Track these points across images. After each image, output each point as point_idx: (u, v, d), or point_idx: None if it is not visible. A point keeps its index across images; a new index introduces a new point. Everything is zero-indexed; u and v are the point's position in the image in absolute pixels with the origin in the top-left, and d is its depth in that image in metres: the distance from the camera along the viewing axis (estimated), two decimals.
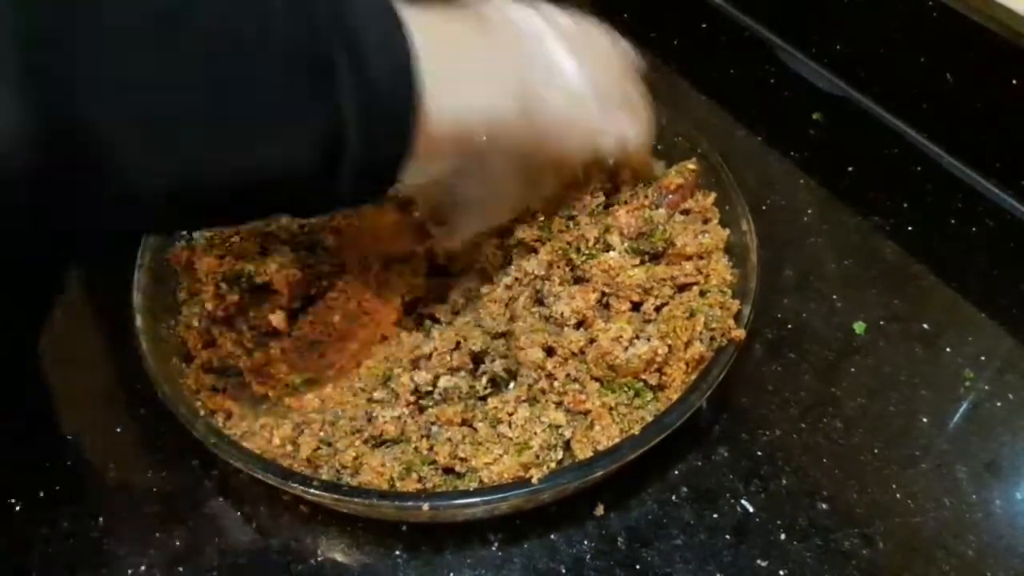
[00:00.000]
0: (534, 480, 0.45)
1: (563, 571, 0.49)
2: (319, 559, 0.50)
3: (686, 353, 0.50)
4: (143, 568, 0.49)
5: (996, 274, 0.64)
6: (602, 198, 0.57)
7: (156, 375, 0.51)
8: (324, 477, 0.49)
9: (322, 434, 0.51)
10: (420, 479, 0.49)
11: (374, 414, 0.51)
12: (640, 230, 0.55)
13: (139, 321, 0.53)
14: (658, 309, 0.53)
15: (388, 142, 0.36)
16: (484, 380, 0.52)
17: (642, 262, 0.55)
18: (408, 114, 0.36)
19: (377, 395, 0.53)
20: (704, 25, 0.88)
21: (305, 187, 0.36)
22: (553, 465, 0.48)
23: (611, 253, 0.54)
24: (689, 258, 0.55)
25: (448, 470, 0.49)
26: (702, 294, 0.53)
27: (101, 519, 0.52)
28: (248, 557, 0.50)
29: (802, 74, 0.82)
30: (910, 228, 0.67)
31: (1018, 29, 0.64)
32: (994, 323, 0.61)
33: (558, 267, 0.55)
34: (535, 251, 0.55)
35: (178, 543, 0.51)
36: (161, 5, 0.31)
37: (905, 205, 0.69)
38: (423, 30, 0.36)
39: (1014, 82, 0.64)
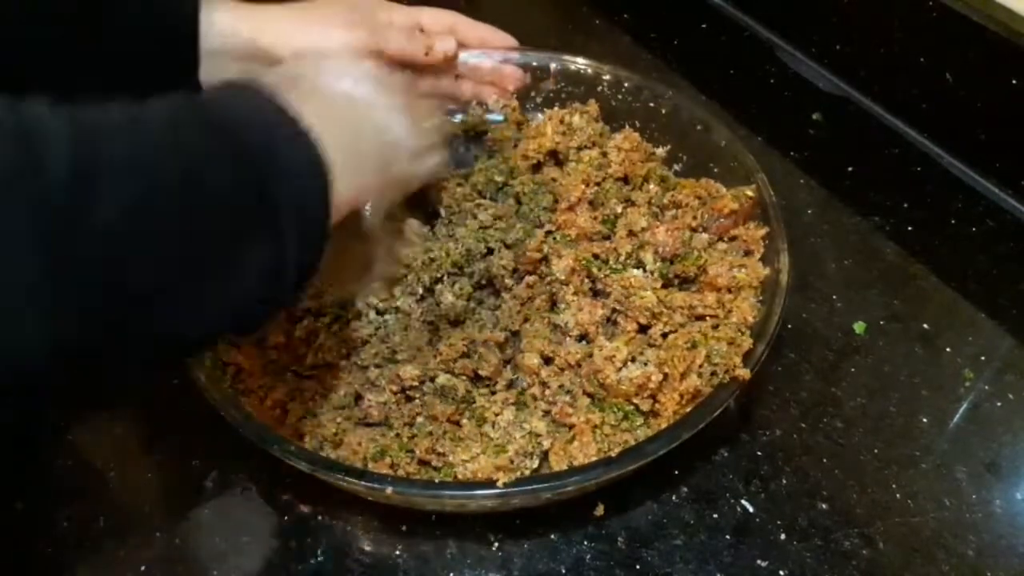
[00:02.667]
0: (499, 484, 0.45)
1: (563, 571, 0.49)
2: (319, 559, 0.50)
3: (681, 384, 0.50)
4: (143, 568, 0.49)
5: (996, 274, 0.64)
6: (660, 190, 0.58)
7: None
8: (307, 446, 0.50)
9: (311, 404, 0.52)
10: (393, 464, 0.49)
11: (363, 395, 0.52)
12: (676, 251, 0.55)
13: None
14: (666, 335, 0.53)
15: (316, 244, 0.42)
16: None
17: (667, 285, 0.55)
18: (326, 217, 0.42)
19: (372, 374, 0.53)
20: (704, 25, 0.88)
21: (252, 310, 0.41)
22: (527, 472, 0.48)
23: (636, 271, 0.54)
24: (718, 290, 0.54)
25: (424, 462, 0.50)
26: (715, 328, 0.52)
27: (101, 519, 0.52)
28: (248, 557, 0.50)
29: (802, 74, 0.82)
30: (910, 228, 0.67)
31: (1018, 29, 0.64)
32: (994, 323, 0.61)
33: (578, 276, 0.55)
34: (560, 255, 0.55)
35: (178, 543, 0.51)
36: (134, 208, 0.34)
37: (905, 205, 0.69)
38: (318, 131, 0.41)
39: (1014, 82, 0.64)
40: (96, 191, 0.33)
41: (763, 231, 0.57)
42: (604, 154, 0.62)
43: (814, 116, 0.77)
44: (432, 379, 0.52)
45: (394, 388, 0.52)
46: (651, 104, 0.67)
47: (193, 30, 0.61)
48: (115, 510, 0.52)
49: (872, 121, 0.77)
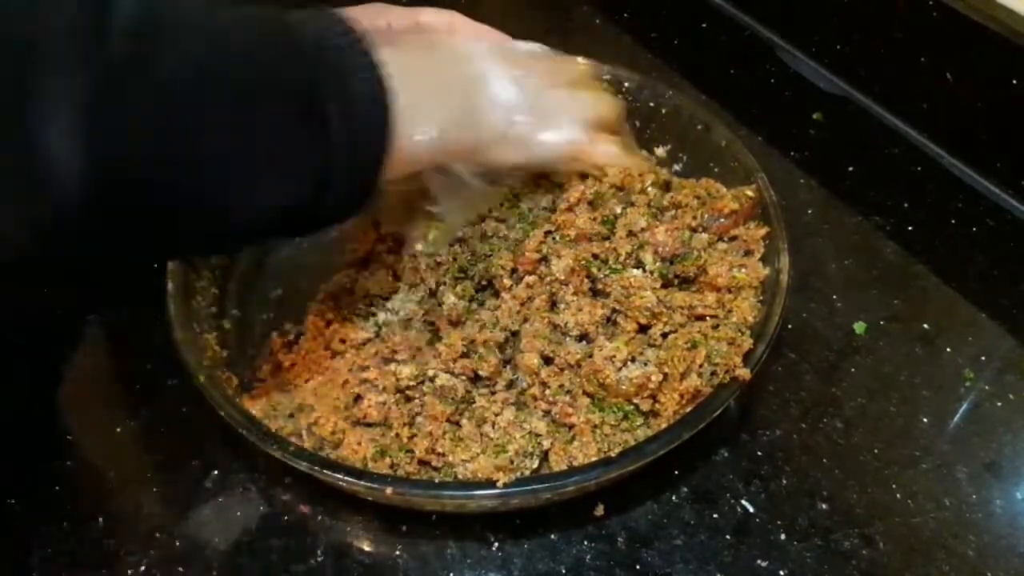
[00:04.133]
0: (499, 484, 0.45)
1: (563, 571, 0.49)
2: (319, 559, 0.50)
3: (681, 384, 0.49)
4: (143, 568, 0.49)
5: (996, 274, 0.64)
6: (658, 188, 0.58)
7: (175, 315, 0.53)
8: (306, 446, 0.50)
9: (310, 403, 0.52)
10: (393, 465, 0.49)
11: (362, 395, 0.52)
12: (675, 251, 0.55)
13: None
14: (666, 335, 0.53)
15: (367, 173, 0.43)
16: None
17: (667, 285, 0.55)
18: (383, 150, 0.42)
19: (371, 375, 0.53)
20: (704, 25, 0.88)
21: (296, 215, 0.42)
22: (527, 472, 0.48)
23: (636, 271, 0.54)
24: (718, 290, 0.54)
25: (424, 462, 0.50)
26: (715, 328, 0.52)
27: (101, 519, 0.52)
28: (248, 557, 0.50)
29: (802, 74, 0.82)
30: (910, 228, 0.67)
31: (1018, 29, 0.64)
32: (994, 323, 0.61)
33: (578, 275, 0.55)
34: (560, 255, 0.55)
35: (178, 543, 0.51)
36: (193, 65, 0.35)
37: (905, 205, 0.69)
38: (393, 64, 0.42)
39: (1014, 82, 0.64)
40: (156, 46, 0.33)
41: (763, 231, 0.57)
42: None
43: (814, 116, 0.77)
44: (432, 379, 0.52)
45: (393, 388, 0.52)
46: (651, 104, 0.67)
47: None
48: (115, 510, 0.52)
49: (872, 121, 0.77)
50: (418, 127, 0.45)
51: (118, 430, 0.56)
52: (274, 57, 0.39)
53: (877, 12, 0.74)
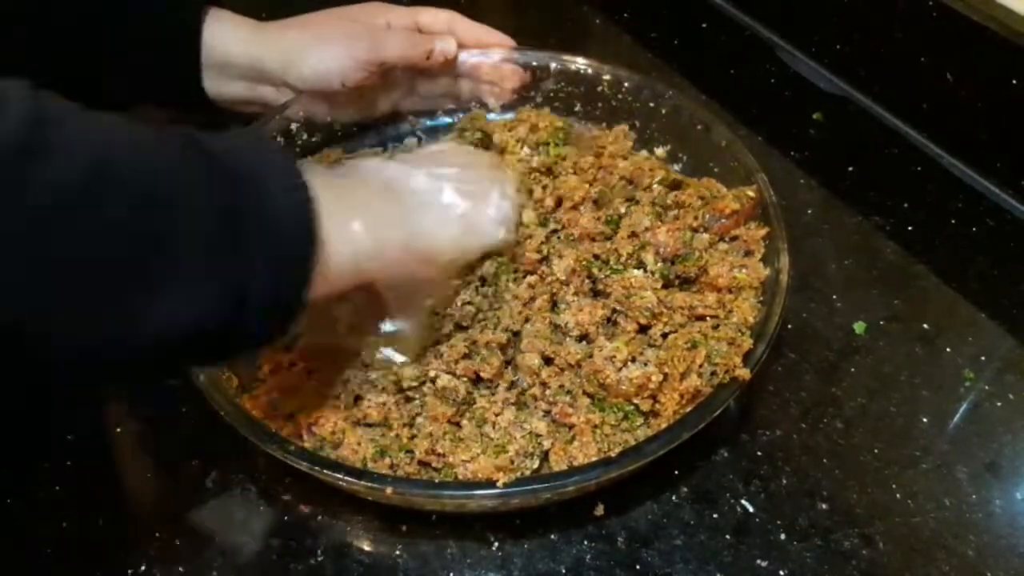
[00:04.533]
0: (499, 484, 0.45)
1: (563, 571, 0.49)
2: (319, 559, 0.50)
3: (681, 384, 0.50)
4: (143, 568, 0.49)
5: (996, 274, 0.64)
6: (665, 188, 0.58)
7: None
8: (306, 446, 0.50)
9: (310, 404, 0.52)
10: (393, 465, 0.49)
11: (362, 396, 0.52)
12: (676, 252, 0.55)
13: None
14: (666, 335, 0.53)
15: (291, 289, 0.41)
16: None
17: (667, 285, 0.55)
18: (309, 263, 0.41)
19: (372, 375, 0.53)
20: (704, 25, 0.88)
21: (215, 335, 0.39)
22: (527, 473, 0.48)
23: (637, 272, 0.54)
24: (718, 290, 0.54)
25: (424, 463, 0.50)
26: (715, 328, 0.52)
27: (101, 519, 0.52)
28: (248, 557, 0.50)
29: (802, 74, 0.82)
30: (910, 228, 0.67)
31: (1018, 29, 0.64)
32: (994, 323, 0.61)
33: (578, 276, 0.55)
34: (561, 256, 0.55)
35: (178, 543, 0.51)
36: (73, 179, 0.33)
37: (905, 205, 0.69)
38: (322, 189, 0.42)
39: (1014, 82, 0.64)
40: (42, 163, 0.32)
41: (764, 231, 0.57)
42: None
43: (814, 116, 0.77)
44: (432, 380, 0.52)
45: (394, 389, 0.52)
46: (651, 104, 0.67)
47: (195, 42, 0.62)
48: (115, 510, 0.52)
49: (872, 121, 0.77)
50: (354, 243, 0.45)
51: (118, 430, 0.57)
52: (190, 173, 0.38)
53: (877, 12, 0.74)
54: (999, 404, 0.56)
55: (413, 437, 0.50)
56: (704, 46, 0.87)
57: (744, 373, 0.49)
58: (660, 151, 0.67)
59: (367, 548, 0.51)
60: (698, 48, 0.86)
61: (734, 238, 0.57)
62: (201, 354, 0.42)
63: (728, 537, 0.50)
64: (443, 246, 0.51)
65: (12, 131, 0.31)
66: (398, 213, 0.49)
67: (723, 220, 0.57)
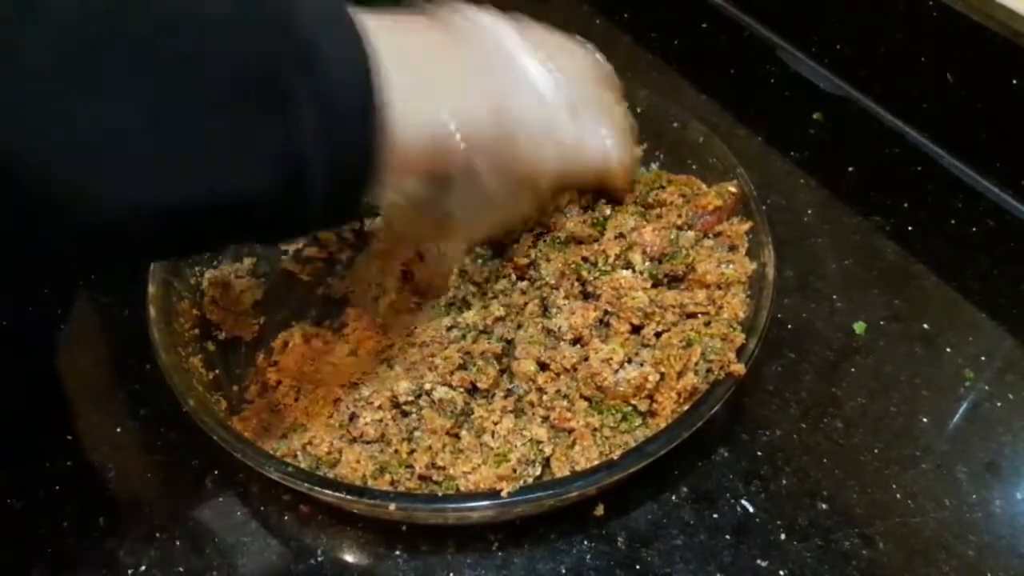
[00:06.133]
0: (504, 493, 0.45)
1: (563, 571, 0.49)
2: (319, 559, 0.50)
3: (678, 383, 0.50)
4: (143, 568, 0.49)
5: (996, 274, 0.64)
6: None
7: (160, 339, 0.52)
8: (302, 465, 0.49)
9: (304, 423, 0.51)
10: (393, 481, 0.49)
11: (357, 413, 0.51)
12: (663, 250, 0.55)
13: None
14: (659, 335, 0.53)
15: (352, 160, 0.35)
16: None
17: (656, 284, 0.55)
18: (370, 129, 0.34)
19: (364, 392, 0.52)
20: (704, 25, 0.88)
21: (268, 211, 0.34)
22: (530, 480, 0.48)
23: (626, 272, 0.54)
24: (707, 287, 0.54)
25: (424, 477, 0.49)
26: (707, 325, 0.52)
27: (101, 519, 0.52)
28: (248, 557, 0.50)
29: (803, 74, 0.82)
30: (910, 228, 0.67)
31: (1018, 29, 0.64)
32: (994, 323, 0.61)
33: (568, 279, 0.55)
34: (549, 259, 0.55)
35: (178, 543, 0.51)
36: (86, 28, 0.29)
37: (905, 205, 0.69)
38: (385, 38, 0.35)
39: (1014, 82, 0.64)
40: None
41: (747, 225, 0.57)
42: None
43: (815, 116, 0.77)
44: (428, 393, 0.51)
45: (389, 404, 0.52)
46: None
47: None
48: (115, 510, 0.52)
49: (873, 121, 0.77)
50: (429, 109, 0.37)
51: (118, 430, 0.56)
52: (216, 20, 0.31)
53: (877, 12, 0.74)
54: (999, 404, 0.56)
55: (412, 452, 0.50)
56: (704, 46, 0.86)
57: (739, 368, 0.49)
58: (636, 150, 0.67)
59: (367, 549, 0.51)
60: (698, 48, 0.86)
61: (718, 234, 0.57)
62: (250, 229, 0.36)
63: (728, 537, 0.50)
64: (546, 153, 0.44)
65: None
66: (489, 83, 0.41)
67: (706, 216, 0.57)
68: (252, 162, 0.32)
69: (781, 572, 0.49)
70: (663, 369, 0.50)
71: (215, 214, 0.33)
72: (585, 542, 0.50)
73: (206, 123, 0.31)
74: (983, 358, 0.59)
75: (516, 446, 0.49)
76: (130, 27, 0.29)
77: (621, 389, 0.49)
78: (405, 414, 0.52)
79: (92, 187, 0.30)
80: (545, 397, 0.51)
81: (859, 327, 0.60)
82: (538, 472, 0.49)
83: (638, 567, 0.49)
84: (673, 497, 0.52)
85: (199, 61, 0.30)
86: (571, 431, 0.50)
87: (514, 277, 0.56)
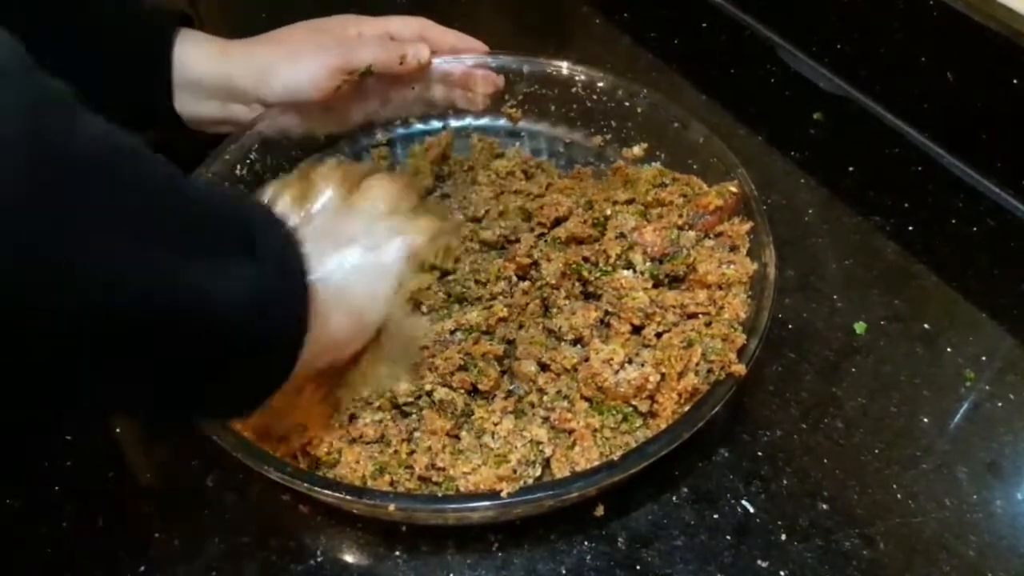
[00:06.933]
0: (504, 494, 0.45)
1: (563, 572, 0.49)
2: (319, 559, 0.50)
3: (679, 383, 0.49)
4: (143, 568, 0.49)
5: (996, 274, 0.64)
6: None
7: None
8: (302, 465, 0.49)
9: (303, 423, 0.51)
10: (393, 482, 0.49)
11: (356, 414, 0.51)
12: (664, 251, 0.55)
13: None
14: (660, 335, 0.53)
15: (301, 304, 0.41)
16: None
17: (657, 284, 0.55)
18: (306, 287, 0.41)
19: (365, 392, 0.52)
20: (704, 25, 0.88)
21: (240, 324, 0.38)
22: (530, 481, 0.48)
23: (627, 272, 0.54)
24: (708, 287, 0.54)
25: (424, 478, 0.49)
26: (708, 325, 0.52)
27: (101, 519, 0.52)
28: (248, 557, 0.50)
29: (803, 73, 0.82)
30: (910, 228, 0.67)
31: (1018, 29, 0.64)
32: (995, 323, 0.61)
33: (568, 279, 0.54)
34: (549, 259, 0.55)
35: (178, 543, 0.51)
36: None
37: (905, 205, 0.69)
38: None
39: (1014, 82, 0.64)
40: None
41: (748, 226, 0.57)
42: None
43: (815, 116, 0.77)
44: (428, 394, 0.51)
45: (389, 405, 0.52)
46: (626, 103, 0.67)
47: (166, 65, 0.61)
48: (115, 510, 0.52)
49: (873, 121, 0.77)
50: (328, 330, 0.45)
51: (118, 430, 0.56)
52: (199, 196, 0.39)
53: (877, 12, 0.74)
54: (1000, 404, 0.56)
55: (412, 452, 0.50)
56: (704, 46, 0.86)
57: (740, 368, 0.49)
58: (636, 150, 0.67)
59: (367, 549, 0.50)
60: (698, 48, 0.86)
61: (719, 234, 0.57)
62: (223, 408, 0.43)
63: (728, 537, 0.50)
64: (369, 306, 0.50)
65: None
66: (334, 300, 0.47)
67: (707, 216, 0.57)
68: (234, 277, 0.37)
69: (782, 572, 0.49)
70: (664, 369, 0.50)
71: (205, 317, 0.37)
72: (585, 543, 0.50)
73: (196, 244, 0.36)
74: (984, 358, 0.59)
75: (516, 447, 0.49)
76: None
77: (622, 390, 0.49)
78: (405, 415, 0.52)
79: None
80: (545, 398, 0.51)
81: (859, 327, 0.60)
82: (538, 473, 0.49)
83: (638, 567, 0.49)
84: (673, 497, 0.52)
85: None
86: (571, 432, 0.50)
87: (515, 277, 0.56)
